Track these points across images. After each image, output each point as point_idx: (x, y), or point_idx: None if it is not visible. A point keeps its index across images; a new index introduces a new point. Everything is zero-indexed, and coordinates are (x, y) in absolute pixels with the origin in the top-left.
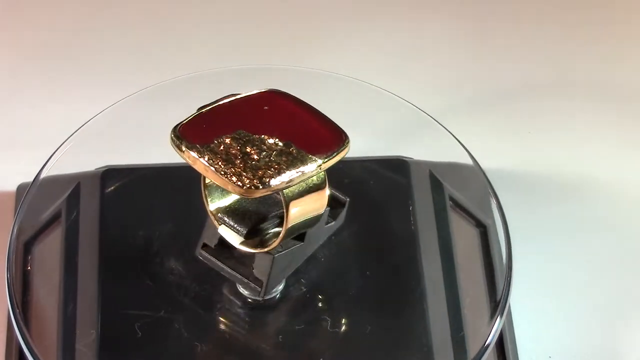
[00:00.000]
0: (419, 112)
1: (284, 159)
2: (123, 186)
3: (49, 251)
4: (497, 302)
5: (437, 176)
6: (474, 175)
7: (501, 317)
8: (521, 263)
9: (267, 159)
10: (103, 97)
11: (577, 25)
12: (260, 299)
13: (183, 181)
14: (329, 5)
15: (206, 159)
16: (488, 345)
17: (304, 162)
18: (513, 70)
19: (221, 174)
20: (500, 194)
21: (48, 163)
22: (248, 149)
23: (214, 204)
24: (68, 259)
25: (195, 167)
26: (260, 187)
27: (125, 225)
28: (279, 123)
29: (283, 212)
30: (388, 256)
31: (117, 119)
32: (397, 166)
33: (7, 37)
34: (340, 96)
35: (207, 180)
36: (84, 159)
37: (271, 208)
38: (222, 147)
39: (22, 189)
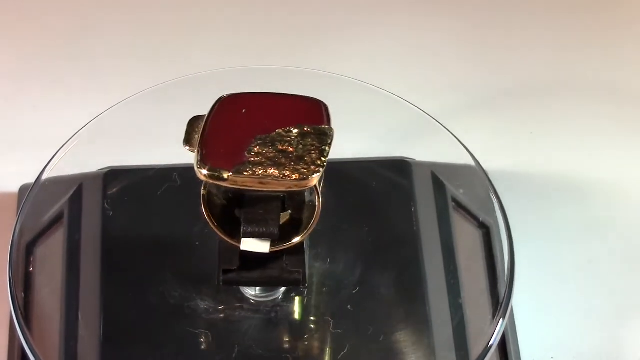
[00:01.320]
0: (421, 113)
1: (310, 139)
2: (126, 187)
3: (51, 252)
4: (499, 302)
5: (439, 177)
6: (476, 176)
7: (504, 318)
8: (523, 263)
9: (301, 147)
10: (105, 98)
11: (578, 25)
12: (302, 289)
13: (186, 182)
14: (329, 5)
15: (260, 173)
16: (491, 346)
17: (324, 133)
18: (515, 71)
19: (281, 179)
20: (502, 194)
21: (50, 164)
22: (280, 147)
23: (227, 227)
24: (70, 260)
25: (250, 186)
26: (318, 170)
27: (128, 226)
28: (271, 116)
29: (284, 194)
30: (390, 257)
31: (120, 119)
32: (399, 167)
33: (9, 37)
34: (342, 97)
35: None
36: (87, 160)
37: (272, 197)
38: (259, 157)
39: (24, 190)
